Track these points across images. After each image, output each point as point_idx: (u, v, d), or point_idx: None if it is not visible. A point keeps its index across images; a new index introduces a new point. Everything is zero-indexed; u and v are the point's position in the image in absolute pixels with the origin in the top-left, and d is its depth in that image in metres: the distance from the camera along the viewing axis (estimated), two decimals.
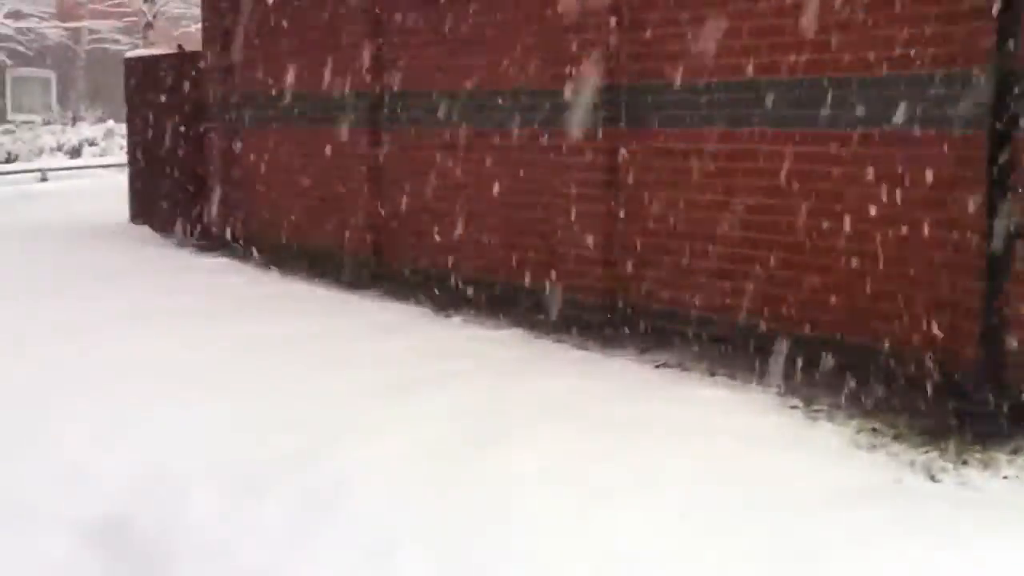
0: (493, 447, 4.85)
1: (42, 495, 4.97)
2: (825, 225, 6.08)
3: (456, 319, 7.89)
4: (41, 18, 26.15)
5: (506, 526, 4.16)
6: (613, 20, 7.16)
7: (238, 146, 11.75)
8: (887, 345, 5.75)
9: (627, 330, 7.17)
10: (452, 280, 8.60)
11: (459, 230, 8.67)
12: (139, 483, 4.95)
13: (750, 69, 6.42)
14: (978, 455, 4.80)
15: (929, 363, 5.52)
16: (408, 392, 5.70)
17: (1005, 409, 5.06)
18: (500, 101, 8.22)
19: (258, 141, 11.42)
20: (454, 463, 4.71)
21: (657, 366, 6.45)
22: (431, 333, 7.35)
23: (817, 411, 5.47)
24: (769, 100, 6.32)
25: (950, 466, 4.68)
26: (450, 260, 8.73)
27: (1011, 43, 5.03)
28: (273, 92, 11.03)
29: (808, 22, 6.10)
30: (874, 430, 5.14)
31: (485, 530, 4.14)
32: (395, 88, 9.37)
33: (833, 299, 6.04)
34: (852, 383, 5.69)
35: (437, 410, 5.39)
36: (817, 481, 4.44)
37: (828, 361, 5.97)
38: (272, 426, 5.30)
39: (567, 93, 7.46)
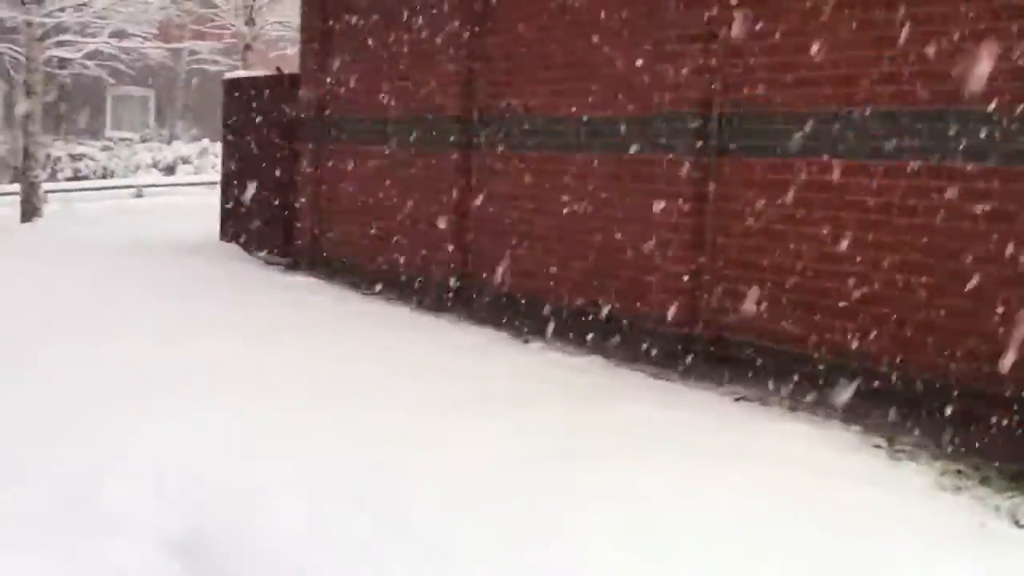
0: (571, 470, 4.82)
1: (133, 499, 5.04)
2: (914, 259, 5.97)
3: (535, 344, 7.89)
4: (144, 38, 26.79)
5: (579, 544, 4.13)
6: (708, 49, 7.14)
7: (326, 167, 11.92)
8: (975, 386, 5.61)
9: (707, 361, 7.10)
10: (533, 306, 8.61)
11: (540, 255, 8.68)
12: (233, 489, 5.00)
13: (842, 99, 6.36)
14: None
15: (1017, 405, 5.38)
16: (487, 413, 5.71)
17: None
18: (588, 127, 8.23)
19: (345, 163, 11.58)
20: (532, 484, 4.69)
21: (737, 399, 6.38)
22: (509, 357, 7.36)
23: (900, 450, 5.36)
24: (861, 130, 6.25)
25: None
26: (531, 285, 8.74)
27: None
28: (362, 115, 11.19)
29: (899, 53, 6.03)
30: (959, 472, 5.02)
31: (561, 548, 4.13)
32: (485, 112, 9.44)
33: (921, 337, 5.93)
34: (937, 423, 5.56)
35: (515, 431, 5.38)
36: (899, 522, 4.35)
37: (913, 400, 5.85)
38: (349, 440, 5.33)
39: (658, 120, 7.46)
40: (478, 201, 9.50)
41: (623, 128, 7.89)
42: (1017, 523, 4.43)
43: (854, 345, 6.25)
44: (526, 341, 8.03)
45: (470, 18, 9.49)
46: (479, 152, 9.53)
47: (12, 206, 21.96)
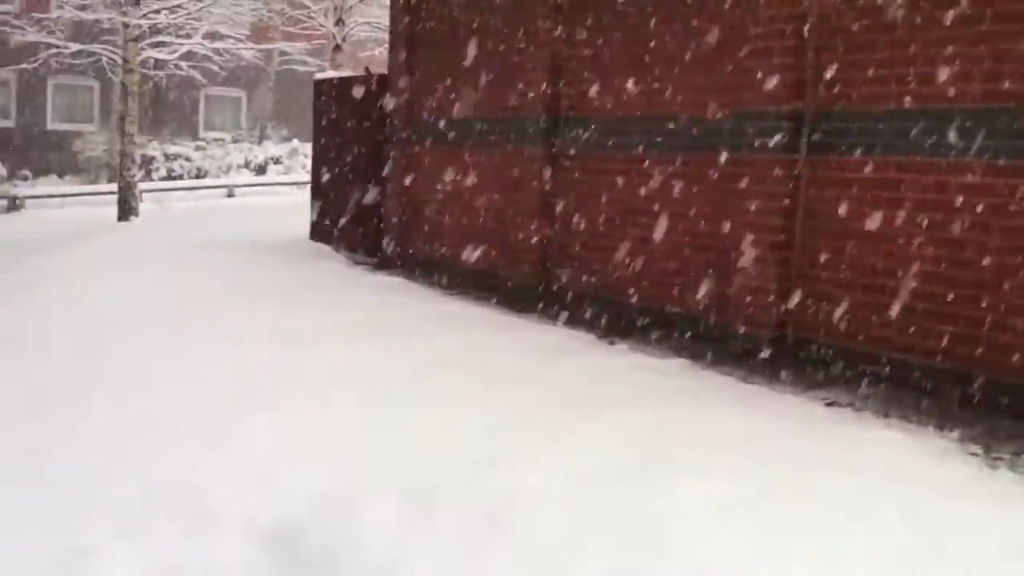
0: (658, 474, 4.78)
1: (233, 496, 5.14)
2: (1019, 262, 5.81)
3: (621, 346, 7.84)
4: (237, 39, 27.30)
5: (676, 550, 4.10)
6: (797, 46, 7.04)
7: (413, 168, 12.00)
8: None
9: (795, 365, 6.99)
10: (618, 307, 8.56)
11: (625, 256, 8.63)
12: (328, 491, 5.06)
13: (941, 95, 6.21)
14: None
15: None
16: (572, 416, 5.69)
17: None
18: (675, 126, 8.16)
19: (432, 164, 11.63)
20: (619, 488, 4.66)
21: (827, 404, 6.26)
22: (595, 359, 7.31)
23: (997, 459, 5.23)
24: (960, 129, 6.09)
25: None
26: (616, 286, 8.69)
27: None
28: (448, 116, 11.23)
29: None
30: None
31: (653, 552, 4.10)
32: (569, 113, 9.42)
33: (1021, 341, 5.77)
34: None
35: (600, 435, 5.35)
36: (996, 533, 4.23)
37: (1010, 407, 5.69)
38: (441, 444, 5.36)
39: (745, 119, 7.36)
40: (561, 201, 9.47)
41: (706, 128, 7.81)
42: None
43: (949, 350, 6.11)
44: (611, 343, 7.98)
45: (556, 18, 9.48)
46: (562, 153, 9.50)
47: (109, 205, 22.57)
